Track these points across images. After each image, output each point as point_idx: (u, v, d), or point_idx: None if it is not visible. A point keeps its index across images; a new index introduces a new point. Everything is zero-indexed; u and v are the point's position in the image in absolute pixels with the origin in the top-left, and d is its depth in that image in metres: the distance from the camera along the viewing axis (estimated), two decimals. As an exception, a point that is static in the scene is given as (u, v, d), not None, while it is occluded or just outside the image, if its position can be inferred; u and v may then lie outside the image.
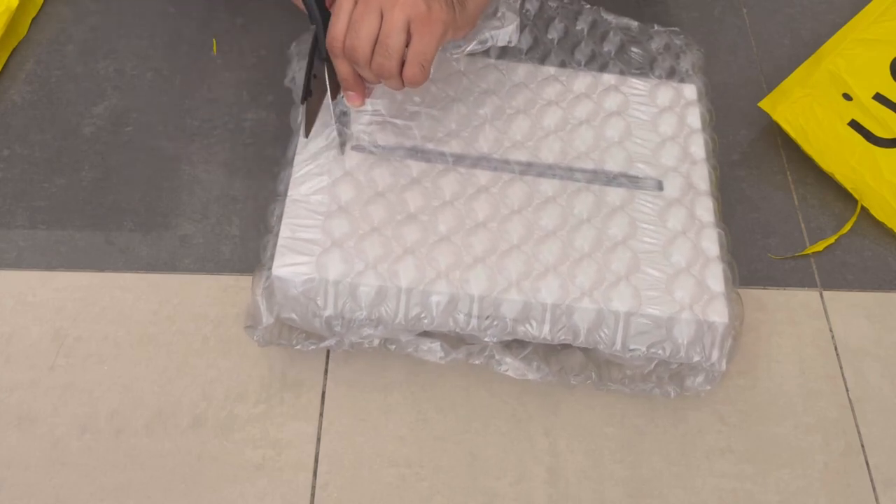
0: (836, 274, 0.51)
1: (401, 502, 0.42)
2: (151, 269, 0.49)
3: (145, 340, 0.46)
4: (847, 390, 0.47)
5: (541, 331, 0.43)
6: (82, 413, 0.44)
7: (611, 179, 0.48)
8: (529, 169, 0.48)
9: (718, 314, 0.43)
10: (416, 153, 0.47)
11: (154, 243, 0.50)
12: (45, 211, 0.51)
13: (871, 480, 0.44)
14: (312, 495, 0.42)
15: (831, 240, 0.52)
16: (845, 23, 0.59)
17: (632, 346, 0.43)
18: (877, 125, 0.55)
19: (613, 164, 0.49)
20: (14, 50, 0.57)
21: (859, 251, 0.52)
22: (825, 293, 0.50)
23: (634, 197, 0.47)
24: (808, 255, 0.52)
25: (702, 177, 0.49)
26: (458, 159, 0.48)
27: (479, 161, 0.48)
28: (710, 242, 0.46)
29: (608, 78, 0.53)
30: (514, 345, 0.45)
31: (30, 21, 0.59)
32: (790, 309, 0.49)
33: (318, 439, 0.44)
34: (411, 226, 0.44)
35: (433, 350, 0.44)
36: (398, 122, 0.48)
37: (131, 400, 0.44)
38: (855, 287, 0.51)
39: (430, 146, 0.48)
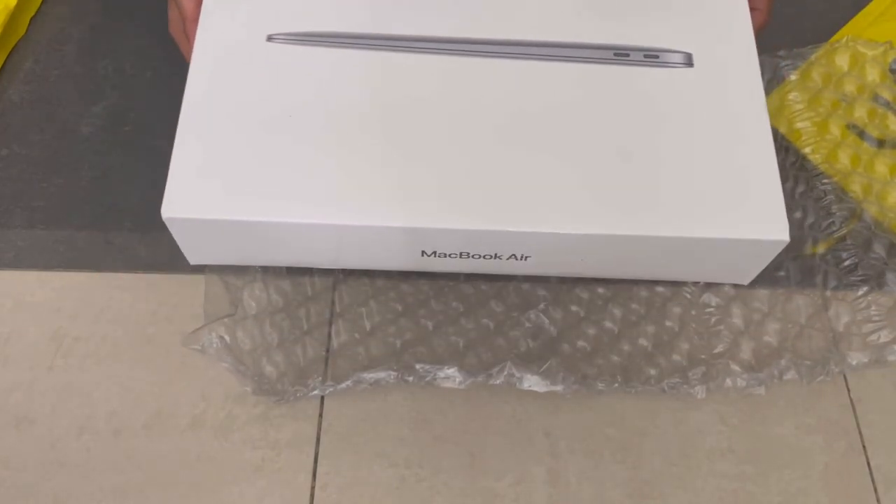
0: (837, 274, 0.51)
1: (401, 503, 0.42)
2: (151, 269, 0.49)
3: (144, 341, 0.46)
4: (848, 390, 0.47)
5: (548, 268, 0.36)
6: (81, 413, 0.44)
7: (616, 55, 0.37)
8: (505, 49, 0.36)
9: (779, 229, 0.34)
10: (354, 39, 0.36)
11: (153, 243, 0.49)
12: (43, 211, 0.50)
13: (873, 481, 0.44)
14: (312, 496, 0.42)
15: (831, 240, 0.52)
16: (846, 22, 0.59)
17: (671, 275, 0.36)
18: (875, 126, 0.55)
19: (617, 35, 0.37)
20: (13, 49, 0.57)
21: (860, 252, 0.52)
22: (826, 293, 0.50)
23: (651, 76, 0.36)
24: (808, 255, 0.52)
25: (745, 43, 0.37)
26: (411, 42, 0.36)
27: (444, 44, 0.36)
28: (763, 132, 0.35)
29: None
30: (534, 357, 0.45)
31: (28, 20, 0.58)
32: (791, 309, 0.49)
33: (318, 440, 0.44)
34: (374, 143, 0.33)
35: (451, 377, 0.44)
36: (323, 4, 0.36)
37: (130, 400, 0.44)
38: (856, 287, 0.50)
39: (368, 29, 0.35)
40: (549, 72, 0.35)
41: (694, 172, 0.34)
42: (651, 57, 0.36)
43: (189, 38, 0.36)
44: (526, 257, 0.35)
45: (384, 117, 0.34)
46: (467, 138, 0.34)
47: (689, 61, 0.37)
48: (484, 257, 0.35)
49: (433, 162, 0.33)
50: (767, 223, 0.34)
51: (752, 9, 0.39)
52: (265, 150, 0.33)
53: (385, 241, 0.34)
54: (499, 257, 0.36)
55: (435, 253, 0.35)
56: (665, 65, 0.36)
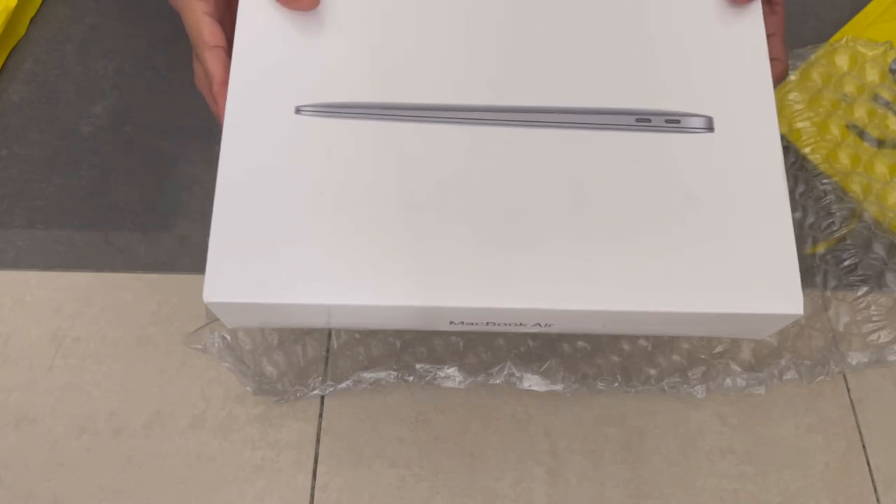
0: (837, 274, 0.51)
1: (401, 503, 0.42)
2: (150, 269, 0.49)
3: (144, 340, 0.46)
4: (848, 390, 0.47)
5: (569, 331, 0.36)
6: (81, 413, 0.44)
7: (638, 121, 0.36)
8: (530, 117, 0.35)
9: (793, 303, 0.32)
10: (382, 110, 0.35)
11: (153, 243, 0.49)
12: (43, 211, 0.50)
13: (873, 481, 0.44)
14: (312, 496, 0.42)
15: (831, 240, 0.52)
16: (846, 22, 0.59)
17: (687, 333, 0.36)
18: (876, 126, 0.55)
19: (639, 99, 0.35)
20: (13, 49, 0.57)
21: (860, 252, 0.52)
22: (826, 294, 0.50)
23: (672, 142, 0.35)
24: (808, 255, 0.52)
25: (766, 105, 0.36)
26: (430, 112, 0.35)
27: (460, 113, 0.35)
28: (781, 200, 0.35)
29: None
30: (534, 357, 0.45)
31: (28, 20, 0.58)
32: (791, 309, 0.49)
33: (318, 440, 0.44)
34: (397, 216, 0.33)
35: (451, 377, 0.44)
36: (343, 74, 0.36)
37: (130, 400, 0.44)
38: (856, 287, 0.50)
39: (392, 98, 0.35)
40: (571, 140, 0.35)
41: (711, 244, 0.33)
42: (672, 122, 0.35)
43: (218, 101, 0.35)
44: (548, 325, 0.36)
45: (410, 192, 0.34)
46: (492, 210, 0.34)
47: (709, 126, 0.36)
48: (507, 325, 0.36)
49: (463, 239, 0.33)
50: (782, 296, 0.33)
51: (771, 59, 0.37)
52: (300, 231, 0.33)
53: (416, 316, 0.34)
54: (523, 325, 0.36)
55: (462, 322, 0.35)
56: (686, 130, 0.35)
